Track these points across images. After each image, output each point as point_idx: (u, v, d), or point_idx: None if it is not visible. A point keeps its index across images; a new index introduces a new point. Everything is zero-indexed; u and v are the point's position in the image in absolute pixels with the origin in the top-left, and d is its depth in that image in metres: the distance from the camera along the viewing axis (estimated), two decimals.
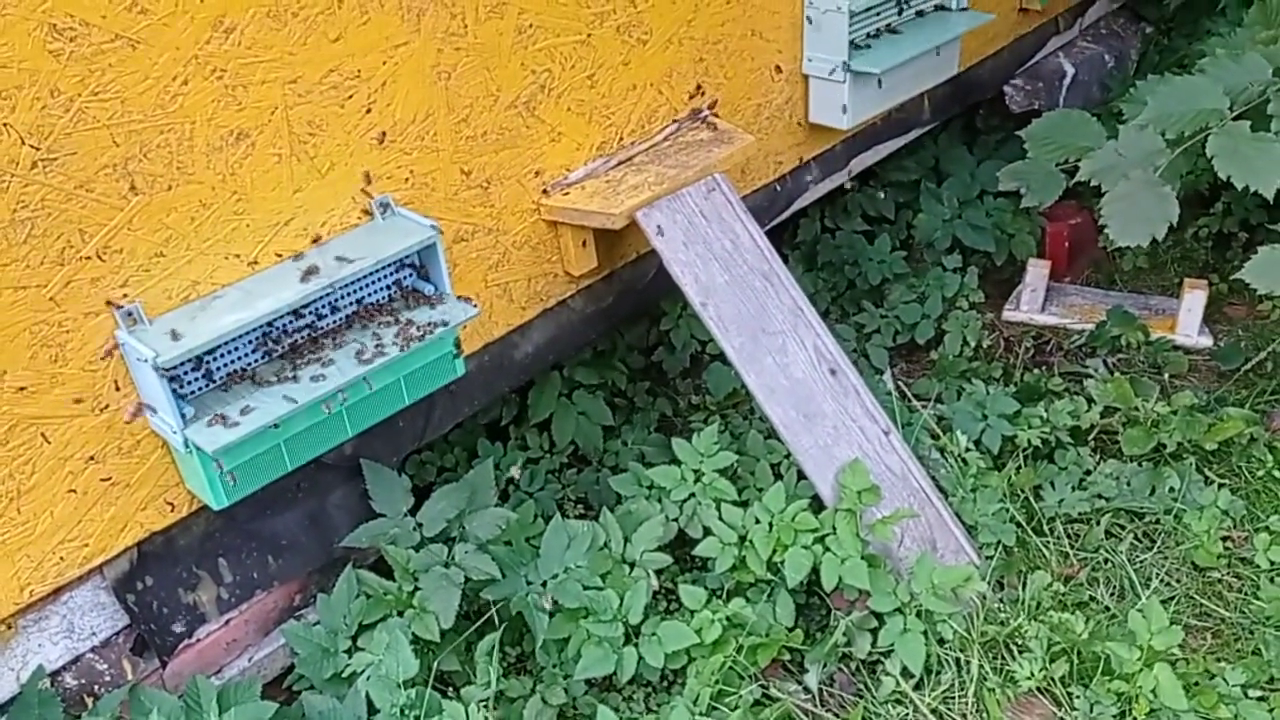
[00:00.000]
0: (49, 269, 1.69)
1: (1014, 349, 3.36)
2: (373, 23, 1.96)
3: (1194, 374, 3.14)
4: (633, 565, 2.31)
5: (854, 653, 2.30)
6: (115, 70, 1.66)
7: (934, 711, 2.22)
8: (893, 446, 2.49)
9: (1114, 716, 2.16)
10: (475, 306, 2.11)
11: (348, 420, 2.00)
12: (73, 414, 1.80)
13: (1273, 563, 2.49)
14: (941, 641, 2.31)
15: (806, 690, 2.28)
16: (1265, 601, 2.41)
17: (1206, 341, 3.26)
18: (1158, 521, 2.63)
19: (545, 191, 2.40)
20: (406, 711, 2.00)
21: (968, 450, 2.67)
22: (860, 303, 3.44)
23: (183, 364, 1.84)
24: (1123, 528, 2.64)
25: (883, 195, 3.67)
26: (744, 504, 2.42)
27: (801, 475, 2.47)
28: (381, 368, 1.97)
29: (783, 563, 2.29)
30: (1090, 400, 2.82)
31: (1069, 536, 2.62)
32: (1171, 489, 2.66)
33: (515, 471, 2.32)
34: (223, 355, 1.91)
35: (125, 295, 1.79)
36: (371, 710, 2.03)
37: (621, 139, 2.54)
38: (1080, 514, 2.64)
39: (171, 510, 2.00)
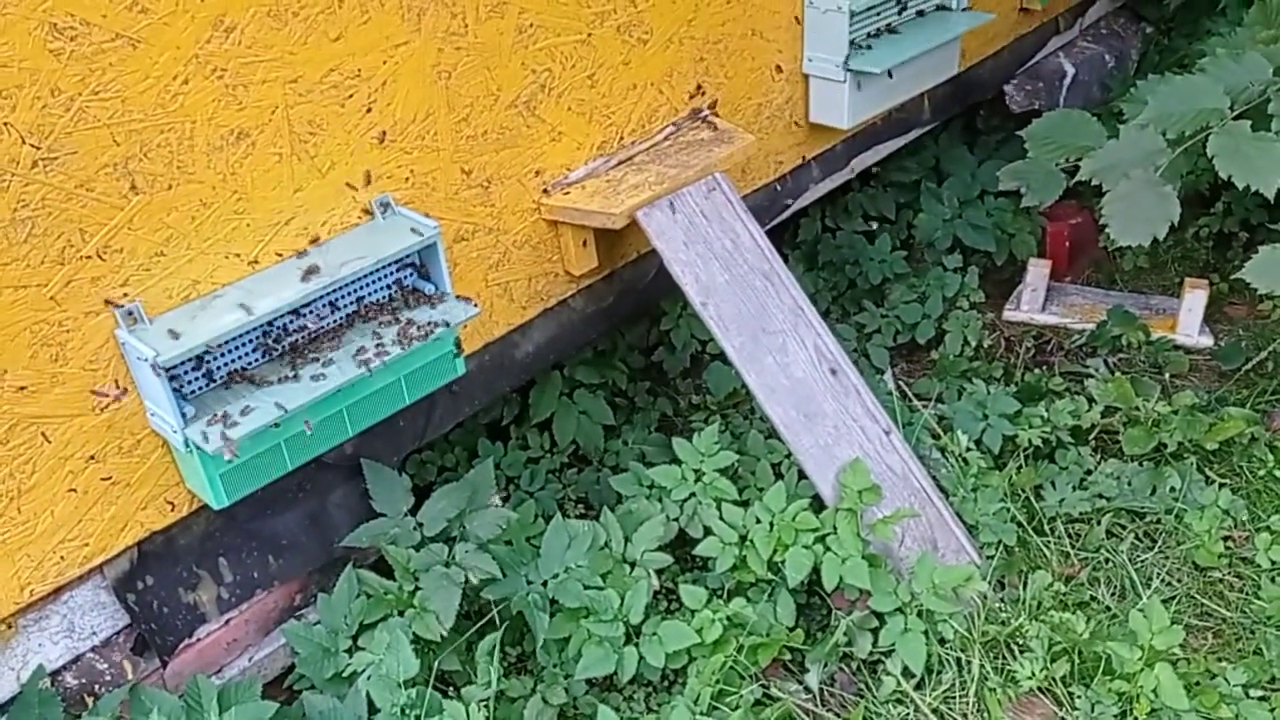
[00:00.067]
0: (49, 268, 1.69)
1: (1015, 349, 3.35)
2: (373, 22, 1.96)
3: (1195, 374, 3.14)
4: (633, 565, 2.31)
5: (855, 652, 2.30)
6: (116, 69, 1.66)
7: (935, 711, 2.22)
8: (893, 446, 2.49)
9: (1115, 716, 2.16)
10: (476, 306, 2.11)
11: (348, 420, 2.00)
12: (74, 413, 1.80)
13: (1274, 562, 2.49)
14: (942, 641, 2.31)
15: (807, 690, 2.28)
16: (1266, 601, 2.41)
17: (1207, 341, 3.26)
18: (1159, 521, 2.63)
19: (546, 191, 2.40)
20: (407, 711, 2.00)
21: (968, 450, 2.67)
22: (861, 302, 3.44)
23: (183, 363, 1.84)
24: (1124, 527, 2.64)
25: (884, 194, 3.68)
26: (745, 504, 2.42)
27: (802, 475, 2.47)
28: (382, 367, 1.97)
29: (783, 562, 2.29)
30: (1091, 400, 2.82)
31: (1070, 536, 2.62)
32: (1172, 489, 2.66)
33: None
34: (223, 354, 1.91)
35: (125, 294, 1.79)
36: (372, 710, 2.03)
37: (622, 138, 2.54)
38: (1081, 514, 2.64)
39: (172, 510, 2.00)
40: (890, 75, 2.87)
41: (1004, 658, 2.30)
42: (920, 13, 3.03)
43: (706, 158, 2.51)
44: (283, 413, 1.84)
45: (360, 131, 2.01)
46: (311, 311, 1.99)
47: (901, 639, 2.26)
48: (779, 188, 3.07)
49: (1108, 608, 2.44)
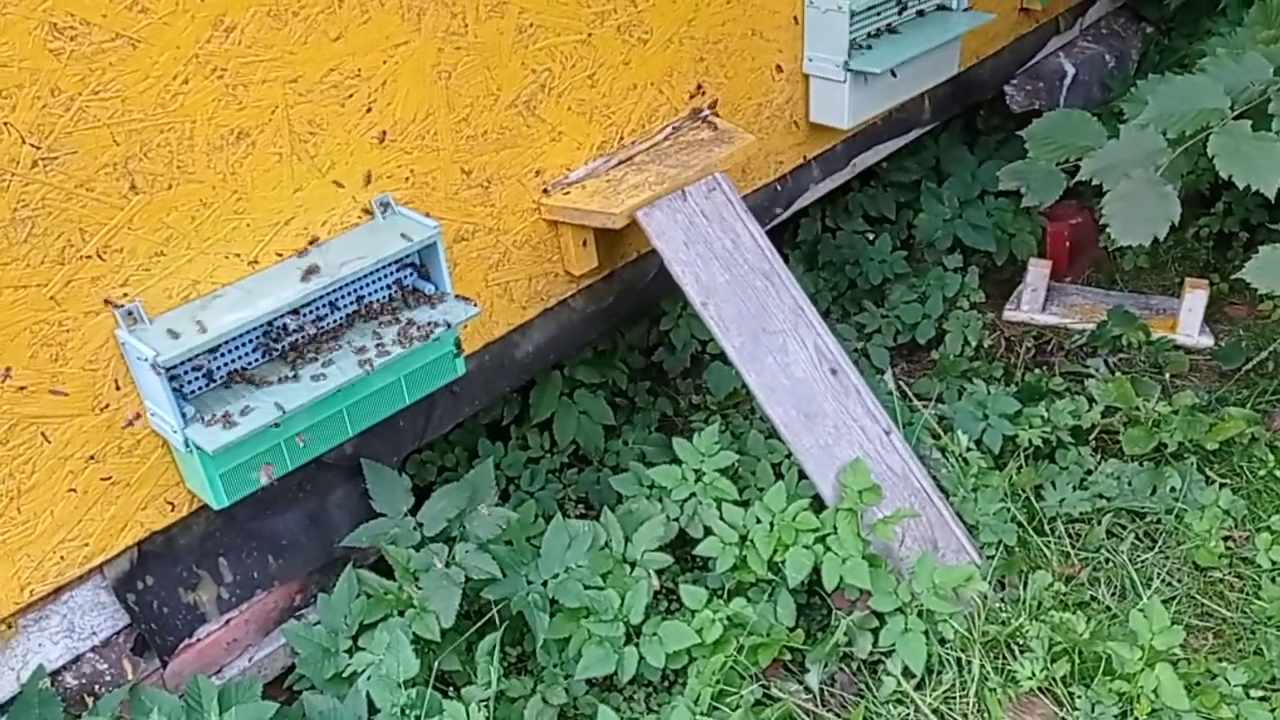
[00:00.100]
0: (49, 268, 1.69)
1: (1015, 349, 3.35)
2: (373, 22, 1.96)
3: (1195, 374, 3.14)
4: (633, 565, 2.31)
5: (855, 652, 2.30)
6: (116, 69, 1.66)
7: (935, 711, 2.22)
8: (894, 446, 2.49)
9: (1115, 716, 2.16)
10: (476, 306, 2.11)
11: (348, 420, 2.00)
12: (74, 413, 1.80)
13: (1274, 562, 2.49)
14: (943, 641, 2.31)
15: (807, 690, 2.28)
16: (1266, 601, 2.41)
17: (1207, 341, 3.26)
18: (1159, 521, 2.63)
19: (546, 191, 2.40)
20: (407, 711, 2.00)
21: (969, 450, 2.67)
22: (861, 302, 3.44)
23: (183, 363, 1.84)
24: (1124, 527, 2.64)
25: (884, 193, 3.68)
26: (745, 504, 2.42)
27: (802, 475, 2.47)
28: (382, 367, 1.97)
29: (784, 562, 2.29)
30: (1091, 400, 2.82)
31: (1070, 536, 2.62)
32: (1173, 489, 2.66)
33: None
34: (223, 354, 1.91)
35: (125, 294, 1.79)
36: (372, 710, 2.03)
37: (622, 138, 2.54)
38: (1081, 514, 2.64)
39: (172, 510, 2.00)
40: (894, 75, 2.87)
41: (1004, 658, 2.30)
42: (920, 12, 3.03)
43: (707, 158, 2.51)
44: (281, 413, 1.84)
45: (360, 131, 2.01)
46: (311, 311, 1.99)
47: (902, 639, 2.26)
48: (779, 187, 3.06)
49: (1108, 608, 2.44)
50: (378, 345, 2.00)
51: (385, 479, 2.29)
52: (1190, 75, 2.58)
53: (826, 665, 2.30)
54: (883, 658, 2.30)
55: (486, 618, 2.24)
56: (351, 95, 1.97)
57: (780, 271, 2.54)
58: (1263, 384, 3.02)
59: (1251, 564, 2.52)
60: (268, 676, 2.27)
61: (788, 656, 2.34)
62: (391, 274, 2.09)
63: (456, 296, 2.12)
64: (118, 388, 1.84)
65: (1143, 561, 2.55)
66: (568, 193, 2.40)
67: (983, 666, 2.27)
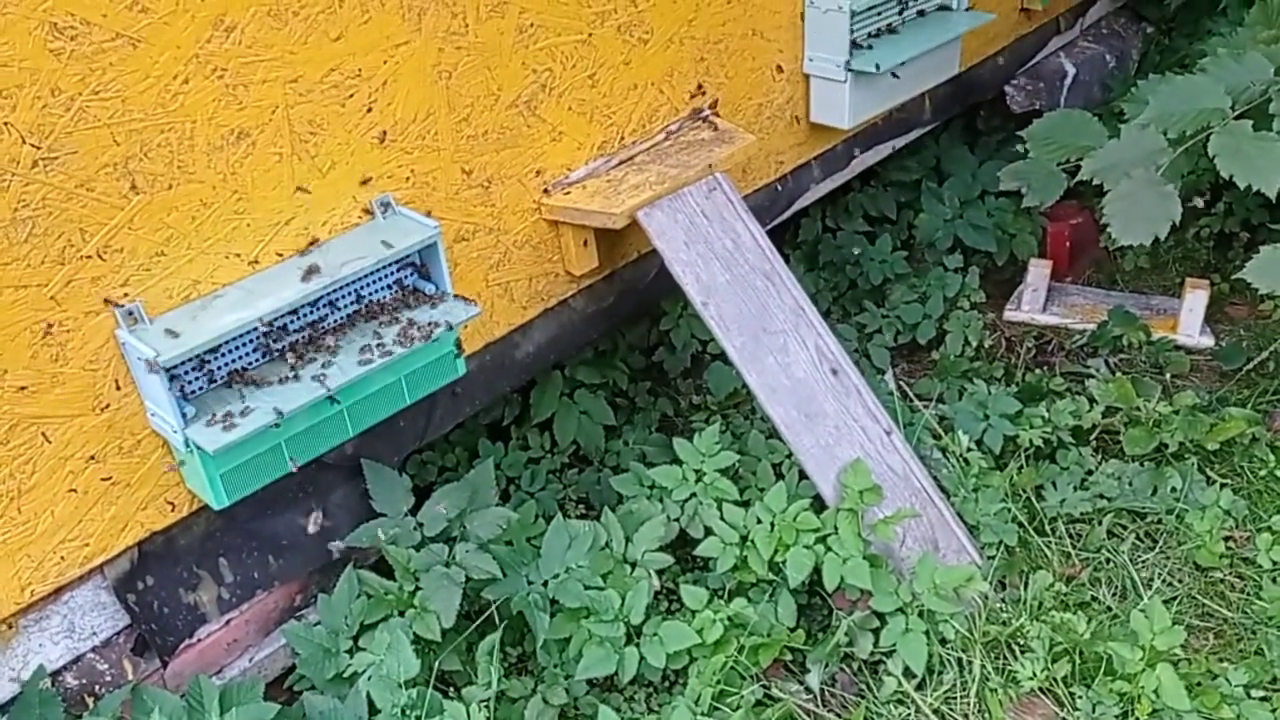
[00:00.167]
0: (50, 268, 1.69)
1: (1015, 349, 3.35)
2: (374, 22, 1.96)
3: (1196, 374, 3.14)
4: (634, 565, 2.31)
5: (856, 653, 2.30)
6: (116, 69, 1.66)
7: (936, 712, 2.22)
8: (894, 446, 2.49)
9: (1116, 717, 2.16)
10: (476, 306, 2.11)
11: (348, 420, 2.00)
12: (74, 413, 1.79)
13: (1275, 563, 2.48)
14: (943, 641, 2.31)
15: (808, 690, 2.28)
16: (1267, 602, 2.41)
17: (1208, 341, 3.26)
18: (1159, 521, 2.63)
19: (546, 191, 2.39)
20: (407, 712, 2.00)
21: (969, 450, 2.67)
22: (861, 302, 3.44)
23: (183, 363, 1.84)
24: (1125, 528, 2.63)
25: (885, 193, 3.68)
26: (745, 504, 2.42)
27: (803, 475, 2.47)
28: (382, 367, 1.97)
29: (784, 563, 2.29)
30: (1092, 400, 2.82)
31: (1071, 536, 2.62)
32: (1173, 489, 2.66)
33: None
34: (223, 354, 1.91)
35: (126, 294, 1.79)
36: (372, 710, 2.02)
37: (622, 138, 2.54)
38: (1082, 514, 2.64)
39: (172, 510, 1.99)
40: (896, 76, 2.87)
41: (1005, 658, 2.30)
42: (921, 12, 3.03)
43: (707, 157, 2.51)
44: (281, 414, 1.84)
45: (361, 131, 2.01)
46: (312, 311, 1.99)
47: (902, 639, 2.26)
48: (780, 187, 3.06)
49: (1109, 608, 2.43)
50: (378, 345, 2.00)
51: (386, 479, 2.29)
52: (1191, 75, 2.58)
53: (827, 665, 2.30)
54: (883, 658, 2.30)
55: (487, 618, 2.24)
56: (352, 95, 1.97)
57: (781, 271, 2.54)
58: (1263, 384, 3.01)
59: (1252, 564, 2.52)
60: (268, 677, 2.27)
61: (788, 657, 2.34)
62: (392, 274, 2.09)
63: (457, 296, 2.12)
64: (118, 388, 1.84)
65: (1143, 562, 2.55)
66: (568, 193, 2.40)
67: (983, 667, 2.27)
